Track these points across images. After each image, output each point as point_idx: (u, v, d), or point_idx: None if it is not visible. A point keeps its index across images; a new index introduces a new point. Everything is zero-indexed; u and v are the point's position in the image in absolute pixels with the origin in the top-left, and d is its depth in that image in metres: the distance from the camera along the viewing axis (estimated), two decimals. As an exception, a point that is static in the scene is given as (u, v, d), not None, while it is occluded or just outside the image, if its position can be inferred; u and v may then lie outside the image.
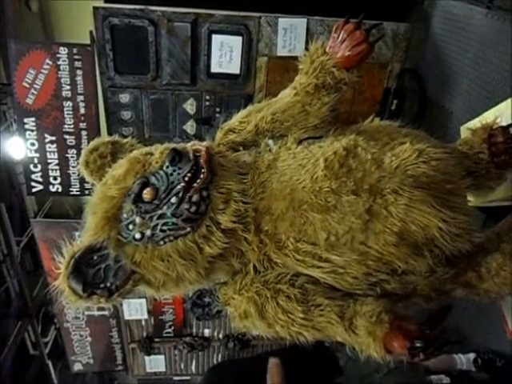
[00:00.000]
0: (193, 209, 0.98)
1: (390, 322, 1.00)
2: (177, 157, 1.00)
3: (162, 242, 0.98)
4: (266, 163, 1.09)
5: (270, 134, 1.16)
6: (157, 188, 0.99)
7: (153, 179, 1.00)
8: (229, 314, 1.13)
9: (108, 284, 0.97)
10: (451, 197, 1.06)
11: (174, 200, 0.98)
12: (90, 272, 0.97)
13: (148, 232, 0.98)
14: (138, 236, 0.98)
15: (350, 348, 1.07)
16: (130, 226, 0.98)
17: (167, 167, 1.00)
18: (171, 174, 1.00)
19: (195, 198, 0.98)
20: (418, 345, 0.95)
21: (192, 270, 1.01)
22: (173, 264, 0.99)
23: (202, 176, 0.99)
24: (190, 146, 1.06)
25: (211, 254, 1.01)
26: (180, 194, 0.98)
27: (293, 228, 1.02)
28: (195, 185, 0.98)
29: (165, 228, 0.97)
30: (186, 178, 0.98)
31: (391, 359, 1.03)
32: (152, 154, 1.06)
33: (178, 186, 0.98)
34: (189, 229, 0.98)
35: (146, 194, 0.98)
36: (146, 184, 1.00)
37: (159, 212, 0.98)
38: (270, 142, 1.15)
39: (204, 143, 1.10)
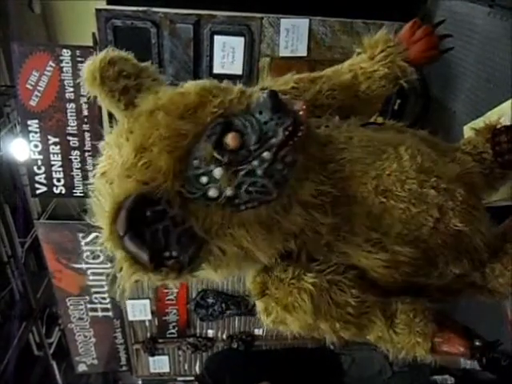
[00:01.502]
0: (285, 171, 0.80)
1: (436, 321, 0.99)
2: (277, 104, 0.80)
3: (243, 207, 0.78)
4: (343, 140, 0.97)
5: (327, 109, 1.07)
6: (244, 135, 0.79)
7: (239, 123, 0.80)
8: (258, 306, 1.00)
9: (174, 253, 0.71)
10: (482, 206, 1.10)
11: (267, 155, 0.78)
12: (147, 233, 0.70)
13: (228, 191, 0.76)
14: (213, 194, 0.76)
15: (385, 348, 1.04)
16: (203, 179, 0.76)
17: (260, 113, 0.80)
18: (265, 123, 0.79)
19: (289, 158, 0.80)
20: (477, 343, 0.96)
21: (266, 246, 0.84)
22: (253, 236, 0.80)
23: (300, 134, 0.80)
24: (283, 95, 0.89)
25: (288, 230, 0.86)
26: (274, 150, 0.79)
27: (370, 215, 0.94)
28: (291, 142, 0.80)
29: (252, 189, 0.77)
30: (287, 132, 0.79)
31: (431, 359, 1.01)
32: (225, 91, 0.85)
33: (274, 140, 0.79)
34: (275, 195, 0.80)
35: (231, 139, 0.77)
36: (229, 127, 0.79)
37: (248, 167, 0.77)
38: (337, 118, 1.07)
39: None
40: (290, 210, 0.83)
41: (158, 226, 0.70)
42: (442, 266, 1.03)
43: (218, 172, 0.76)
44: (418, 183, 0.96)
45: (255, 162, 0.78)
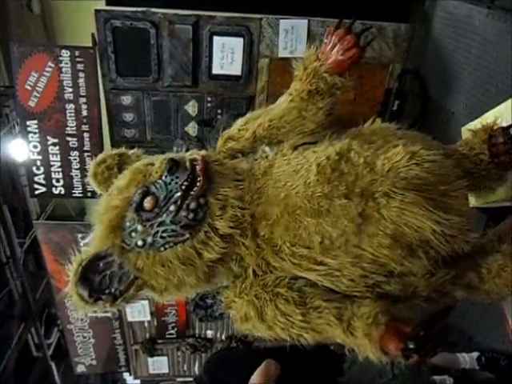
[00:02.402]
0: (191, 216, 1.02)
1: (385, 323, 1.01)
2: (174, 166, 1.04)
3: (162, 249, 1.02)
4: (262, 170, 1.12)
5: (267, 140, 1.18)
6: (157, 197, 1.03)
7: (153, 188, 1.05)
8: (231, 317, 1.15)
9: (113, 290, 1.03)
10: (445, 198, 1.06)
11: (172, 208, 1.02)
12: (96, 279, 1.03)
13: (149, 239, 1.02)
14: (140, 243, 1.02)
15: (350, 349, 1.07)
16: (133, 234, 1.03)
17: (165, 177, 1.05)
18: (169, 183, 1.04)
19: (193, 205, 1.02)
20: (410, 346, 0.95)
21: (192, 274, 1.05)
22: (173, 269, 1.03)
23: (198, 184, 1.02)
24: (188, 155, 1.10)
25: (210, 258, 1.04)
26: (178, 202, 1.02)
27: (288, 232, 1.05)
28: (192, 193, 1.02)
29: (165, 235, 1.02)
30: (183, 187, 1.02)
31: (389, 361, 1.03)
32: (153, 165, 1.09)
33: (176, 195, 1.03)
34: (187, 235, 1.02)
35: (147, 202, 1.03)
36: (146, 193, 1.04)
37: (159, 220, 1.02)
38: (267, 148, 1.17)
39: (201, 152, 1.14)
40: (210, 242, 1.03)
41: (106, 272, 1.04)
42: (396, 265, 1.04)
43: (139, 228, 1.02)
44: (324, 196, 1.02)
45: (164, 215, 1.02)
